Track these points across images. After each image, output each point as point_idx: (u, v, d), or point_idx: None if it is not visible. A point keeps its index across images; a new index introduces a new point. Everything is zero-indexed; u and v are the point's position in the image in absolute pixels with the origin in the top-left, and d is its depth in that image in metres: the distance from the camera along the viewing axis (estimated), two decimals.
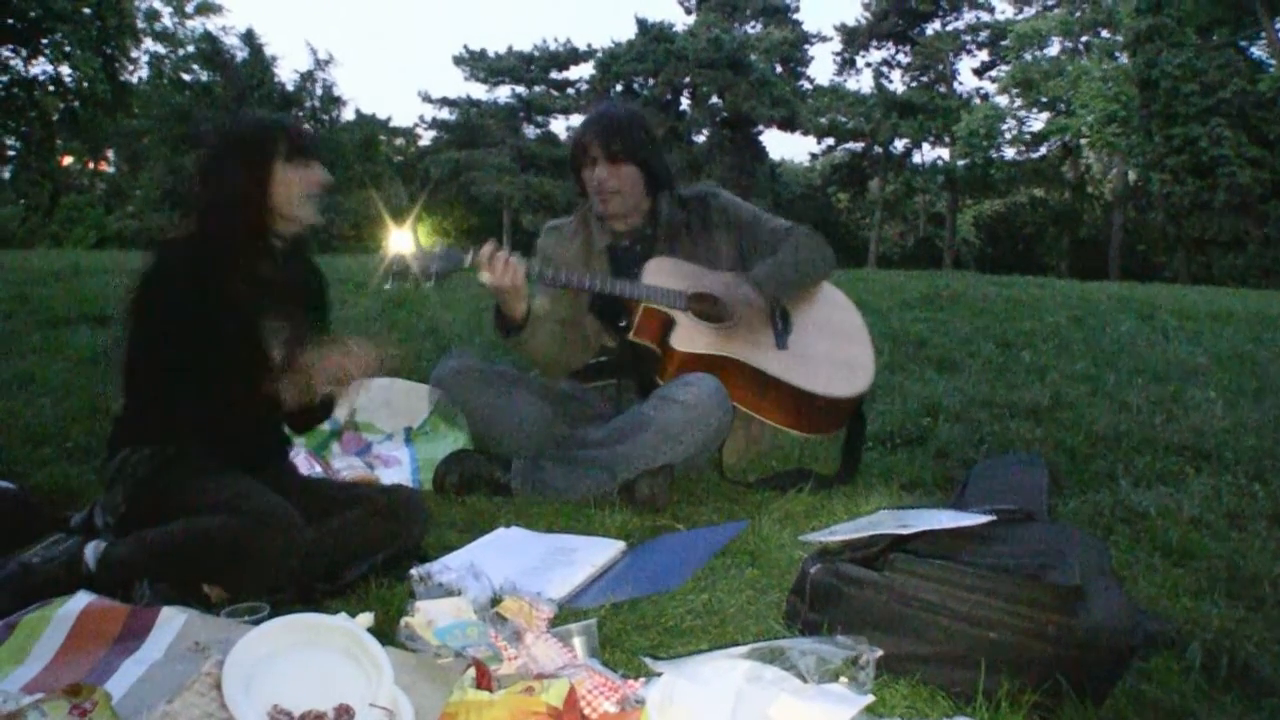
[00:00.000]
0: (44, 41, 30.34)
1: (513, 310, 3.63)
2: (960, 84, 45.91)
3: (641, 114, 4.13)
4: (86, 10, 29.81)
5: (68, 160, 38.11)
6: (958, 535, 2.33)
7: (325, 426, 3.89)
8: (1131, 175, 37.67)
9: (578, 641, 2.03)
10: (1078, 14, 38.72)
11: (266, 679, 1.74)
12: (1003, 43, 41.42)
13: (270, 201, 2.75)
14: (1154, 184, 32.68)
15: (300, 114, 40.31)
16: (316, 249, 3.06)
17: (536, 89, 46.61)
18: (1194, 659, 2.23)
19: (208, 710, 1.70)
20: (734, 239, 3.95)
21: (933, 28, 45.31)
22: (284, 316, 2.82)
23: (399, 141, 49.17)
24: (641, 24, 44.46)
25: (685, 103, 45.21)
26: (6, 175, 34.74)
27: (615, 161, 3.82)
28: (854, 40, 46.30)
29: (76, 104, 31.99)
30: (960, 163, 40.51)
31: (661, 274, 3.77)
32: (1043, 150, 40.84)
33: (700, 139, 45.14)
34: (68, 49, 30.24)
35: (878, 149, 44.85)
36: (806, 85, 46.37)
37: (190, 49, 39.63)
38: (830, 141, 46.81)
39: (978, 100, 43.19)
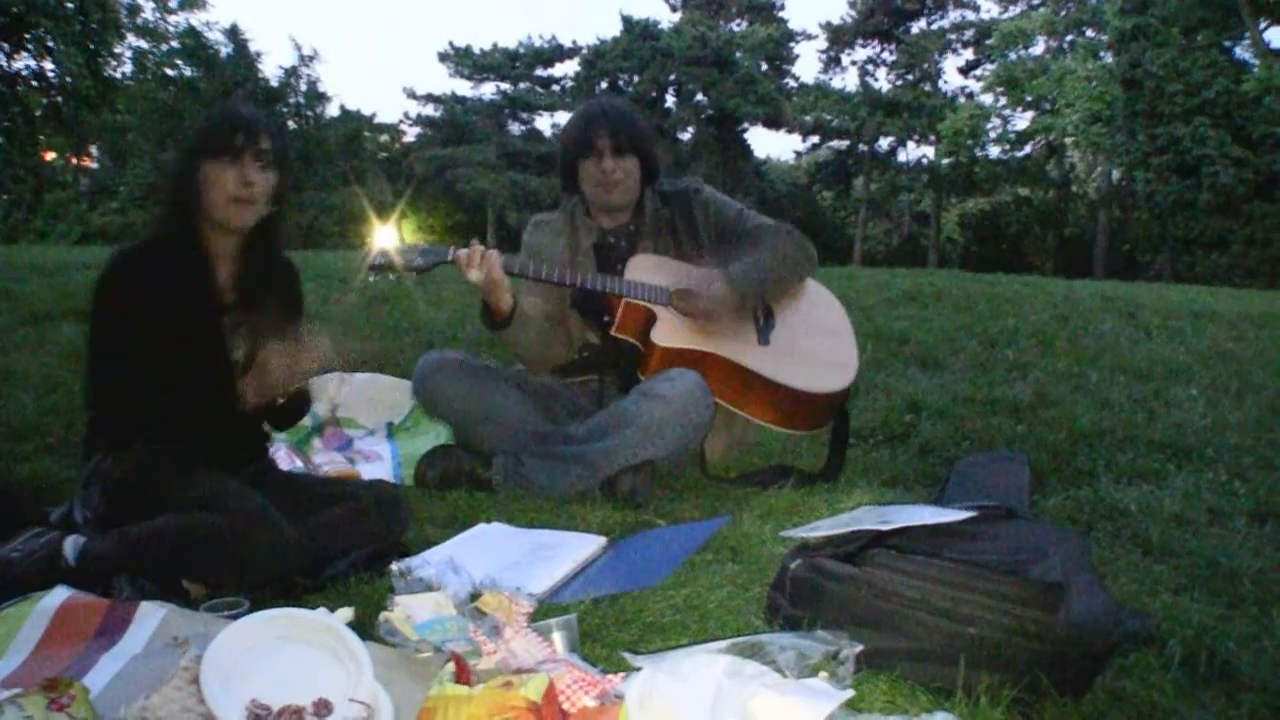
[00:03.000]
0: (27, 36, 30.20)
1: (498, 303, 3.63)
2: (945, 82, 46.07)
3: (634, 106, 4.17)
4: (70, 5, 29.68)
5: (51, 156, 37.93)
6: (939, 531, 2.33)
7: (306, 422, 3.90)
8: (1116, 174, 37.77)
9: (557, 636, 2.03)
10: (1063, 13, 38.82)
11: (245, 673, 1.74)
12: (988, 41, 41.48)
13: (199, 200, 2.70)
14: (1138, 183, 32.76)
15: (284, 110, 40.20)
16: (299, 243, 3.03)
17: (522, 86, 46.56)
18: (1174, 655, 2.24)
19: (186, 705, 1.69)
20: (717, 235, 3.95)
21: (918, 26, 45.41)
22: (245, 314, 2.80)
23: (384, 138, 49.10)
24: (627, 21, 44.42)
25: (670, 100, 45.21)
26: None
27: (621, 153, 3.83)
28: (839, 38, 46.34)
29: (60, 99, 31.86)
30: (945, 161, 40.54)
31: (644, 270, 3.77)
32: (1027, 149, 40.93)
33: (685, 136, 45.14)
34: (51, 44, 30.13)
35: (862, 147, 44.95)
36: (792, 83, 46.40)
37: (174, 44, 39.45)
38: (815, 139, 46.90)
39: (963, 99, 43.28)
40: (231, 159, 2.67)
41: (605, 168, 3.83)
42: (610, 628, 2.29)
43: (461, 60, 46.03)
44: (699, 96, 44.32)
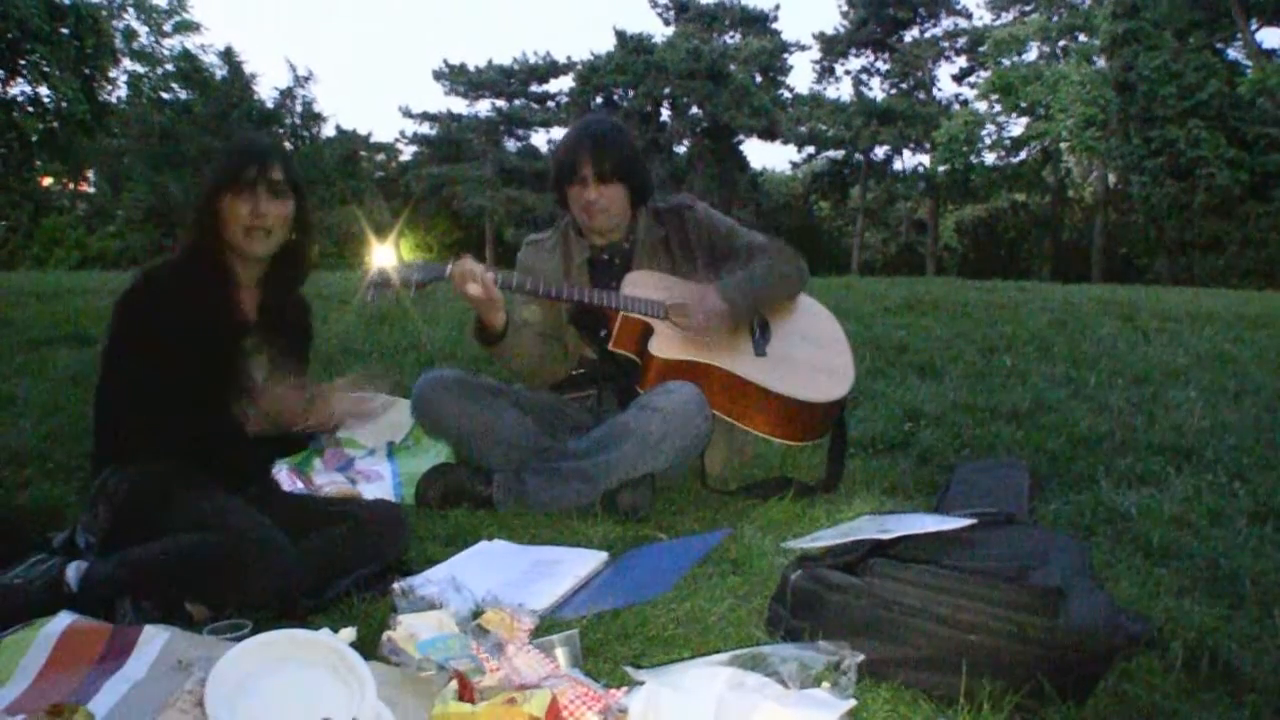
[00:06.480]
0: (22, 62, 30.23)
1: (490, 320, 3.65)
2: (939, 90, 46.07)
3: (624, 126, 4.10)
4: (65, 31, 29.69)
5: (48, 181, 37.88)
6: (939, 539, 2.34)
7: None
8: (1111, 178, 37.79)
9: (560, 652, 2.03)
10: (1055, 19, 38.84)
11: (250, 695, 1.75)
12: (981, 49, 41.52)
13: (221, 230, 2.77)
14: (1134, 186, 32.79)
15: (280, 131, 40.26)
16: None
17: (517, 102, 46.60)
18: (1176, 658, 2.24)
19: None
20: (710, 251, 3.96)
21: (911, 35, 45.45)
22: (265, 338, 2.84)
23: (380, 157, 49.10)
24: (620, 36, 44.46)
25: (665, 114, 45.23)
26: None
27: (605, 181, 3.80)
28: (833, 48, 46.38)
29: (56, 124, 31.86)
30: (941, 169, 40.49)
31: (640, 286, 3.78)
32: (1023, 155, 40.87)
33: (681, 150, 45.16)
34: (46, 69, 30.14)
35: (858, 156, 44.93)
36: (786, 94, 46.37)
37: (169, 68, 39.47)
38: (811, 150, 46.80)
39: (957, 106, 43.27)
40: (245, 190, 2.74)
41: (589, 196, 3.82)
42: (612, 642, 2.30)
43: (456, 78, 46.07)
44: (694, 109, 44.33)
